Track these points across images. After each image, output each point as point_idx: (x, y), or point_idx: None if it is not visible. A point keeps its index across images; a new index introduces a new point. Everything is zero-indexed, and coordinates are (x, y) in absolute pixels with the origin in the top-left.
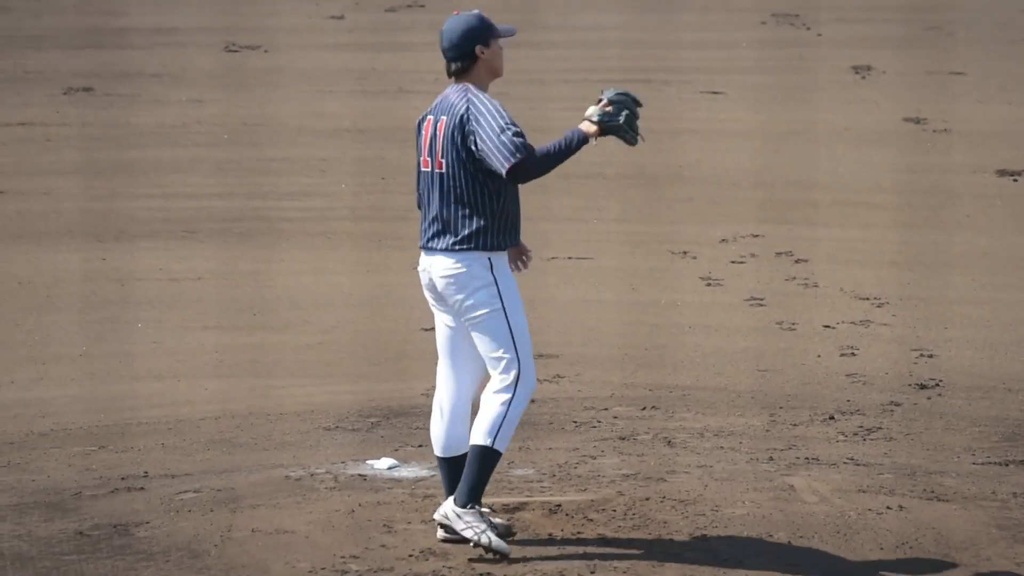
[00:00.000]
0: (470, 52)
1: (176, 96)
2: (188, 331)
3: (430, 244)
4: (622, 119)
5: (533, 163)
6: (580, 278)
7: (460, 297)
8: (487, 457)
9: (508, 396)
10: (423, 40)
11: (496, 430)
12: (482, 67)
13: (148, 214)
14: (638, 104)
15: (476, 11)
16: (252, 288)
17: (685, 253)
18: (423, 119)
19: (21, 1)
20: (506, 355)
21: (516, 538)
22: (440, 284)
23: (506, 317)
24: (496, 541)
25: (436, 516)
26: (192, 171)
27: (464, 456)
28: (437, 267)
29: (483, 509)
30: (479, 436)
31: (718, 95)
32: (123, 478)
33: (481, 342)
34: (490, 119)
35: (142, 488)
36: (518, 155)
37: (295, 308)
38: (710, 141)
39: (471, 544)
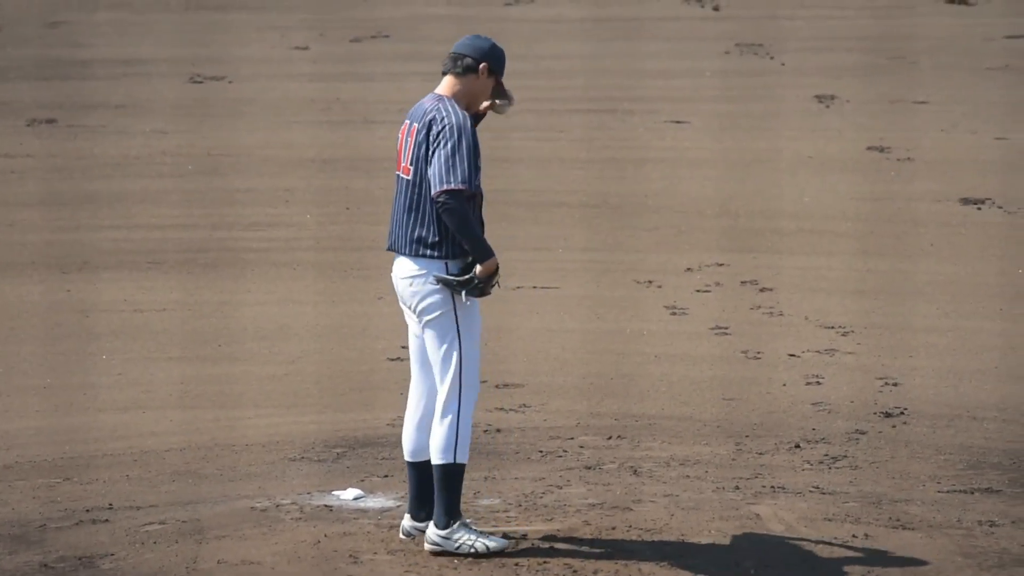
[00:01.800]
0: (474, 65)
1: (141, 127)
2: (152, 362)
3: (393, 247)
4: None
5: (460, 205)
6: (545, 307)
7: (416, 299)
8: (452, 473)
9: (454, 410)
10: (388, 70)
11: (453, 446)
12: (472, 85)
13: (112, 245)
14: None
15: (496, 43)
16: (217, 319)
17: (650, 282)
18: (403, 124)
19: None
20: (450, 360)
21: (482, 568)
22: (400, 286)
23: (456, 322)
24: (493, 542)
25: (427, 548)
26: (157, 202)
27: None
28: (399, 270)
29: (465, 521)
30: (438, 456)
31: (683, 124)
32: (88, 510)
33: (430, 345)
34: (459, 136)
35: (107, 520)
36: (459, 184)
37: (260, 338)
38: (675, 170)
39: (470, 555)
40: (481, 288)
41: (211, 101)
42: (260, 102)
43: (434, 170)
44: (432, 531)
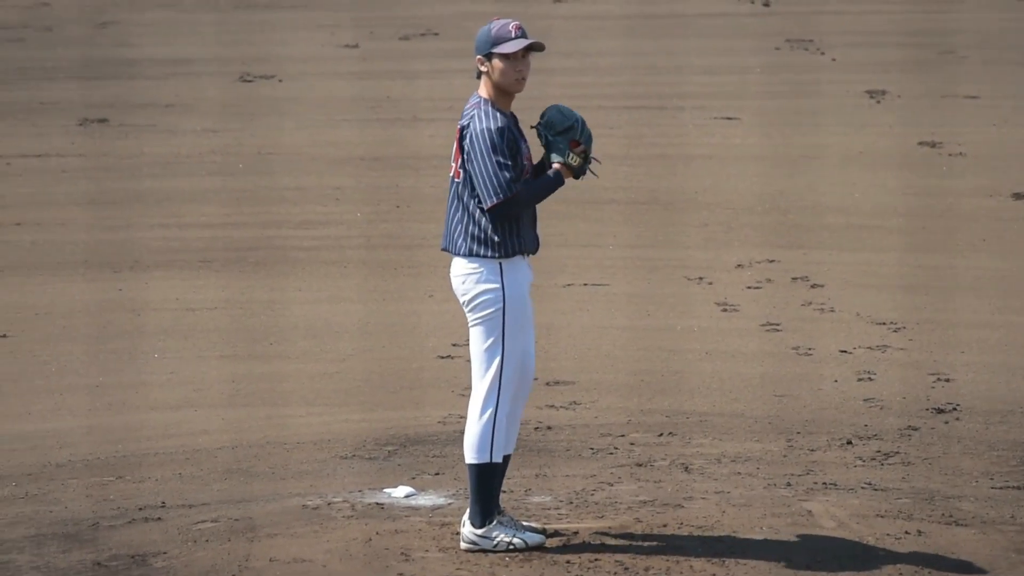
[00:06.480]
0: (478, 66)
1: (191, 126)
2: (203, 360)
3: (448, 248)
4: (587, 162)
5: (515, 203)
6: (595, 304)
7: (468, 297)
8: (488, 472)
9: (491, 409)
10: (437, 68)
11: (489, 445)
12: (487, 80)
13: (163, 244)
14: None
15: (492, 22)
16: (267, 317)
17: (701, 279)
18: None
19: (35, 33)
20: (492, 359)
21: (533, 566)
22: (455, 283)
23: (503, 322)
24: (530, 537)
25: (463, 547)
26: (207, 201)
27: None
28: (454, 269)
29: (501, 518)
30: (473, 455)
31: (732, 120)
32: (140, 508)
33: (474, 340)
34: (486, 149)
35: (159, 518)
36: (501, 195)
37: (310, 337)
38: (724, 166)
39: (508, 550)
40: (581, 170)
41: (260, 100)
42: (309, 100)
43: (479, 185)
44: (468, 529)
